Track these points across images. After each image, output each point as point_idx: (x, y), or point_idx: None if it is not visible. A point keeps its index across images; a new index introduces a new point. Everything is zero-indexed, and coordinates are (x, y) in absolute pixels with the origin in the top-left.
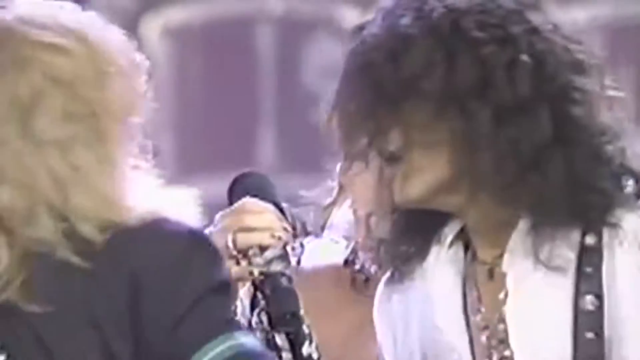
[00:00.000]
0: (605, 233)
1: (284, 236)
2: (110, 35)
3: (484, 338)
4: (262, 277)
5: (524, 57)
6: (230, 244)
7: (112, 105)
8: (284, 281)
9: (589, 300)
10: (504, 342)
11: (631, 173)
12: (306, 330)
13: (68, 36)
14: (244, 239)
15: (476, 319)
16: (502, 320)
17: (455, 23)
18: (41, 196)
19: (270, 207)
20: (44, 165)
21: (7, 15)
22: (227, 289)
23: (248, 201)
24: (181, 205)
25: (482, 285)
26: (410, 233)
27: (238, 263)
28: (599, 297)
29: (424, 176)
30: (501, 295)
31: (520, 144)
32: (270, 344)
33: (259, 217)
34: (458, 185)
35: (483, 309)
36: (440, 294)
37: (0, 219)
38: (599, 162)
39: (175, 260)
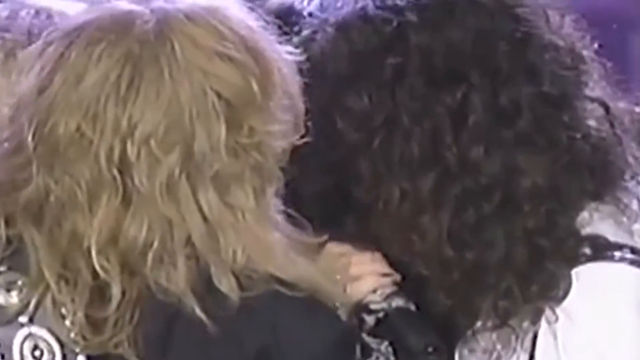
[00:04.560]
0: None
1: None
2: (279, 49)
3: None
4: (382, 316)
5: None
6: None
7: (276, 139)
8: (412, 315)
9: None
10: None
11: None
12: None
13: (239, 46)
14: (357, 288)
15: None
16: None
17: None
18: (185, 235)
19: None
20: (197, 200)
21: (170, 9)
22: None
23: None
24: (333, 279)
25: None
26: None
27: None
28: None
29: None
30: None
31: None
32: None
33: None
34: None
35: None
36: None
37: (124, 255)
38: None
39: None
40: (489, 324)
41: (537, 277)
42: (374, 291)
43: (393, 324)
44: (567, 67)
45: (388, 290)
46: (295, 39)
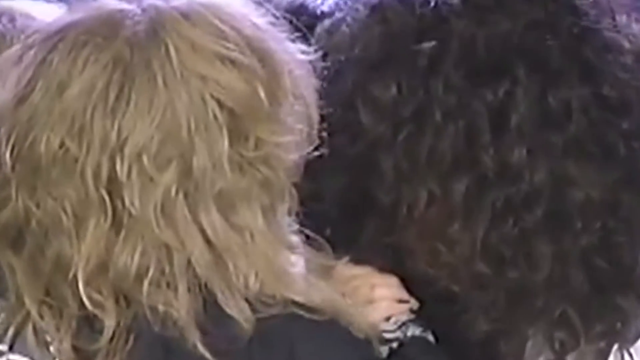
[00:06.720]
0: None
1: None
2: (291, 49)
3: None
4: (397, 346)
5: None
6: None
7: (287, 151)
8: (429, 345)
9: None
10: None
11: None
12: None
13: (244, 48)
14: (369, 314)
15: None
16: None
17: None
18: (185, 261)
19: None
20: (198, 222)
21: (164, 7)
22: None
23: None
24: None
25: None
26: None
27: None
28: None
29: None
30: None
31: None
32: None
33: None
34: None
35: None
36: None
37: (117, 284)
38: None
39: None
40: (542, 358)
41: (603, 311)
42: (388, 319)
43: (408, 355)
44: (630, 71)
45: (404, 318)
46: (327, 21)
